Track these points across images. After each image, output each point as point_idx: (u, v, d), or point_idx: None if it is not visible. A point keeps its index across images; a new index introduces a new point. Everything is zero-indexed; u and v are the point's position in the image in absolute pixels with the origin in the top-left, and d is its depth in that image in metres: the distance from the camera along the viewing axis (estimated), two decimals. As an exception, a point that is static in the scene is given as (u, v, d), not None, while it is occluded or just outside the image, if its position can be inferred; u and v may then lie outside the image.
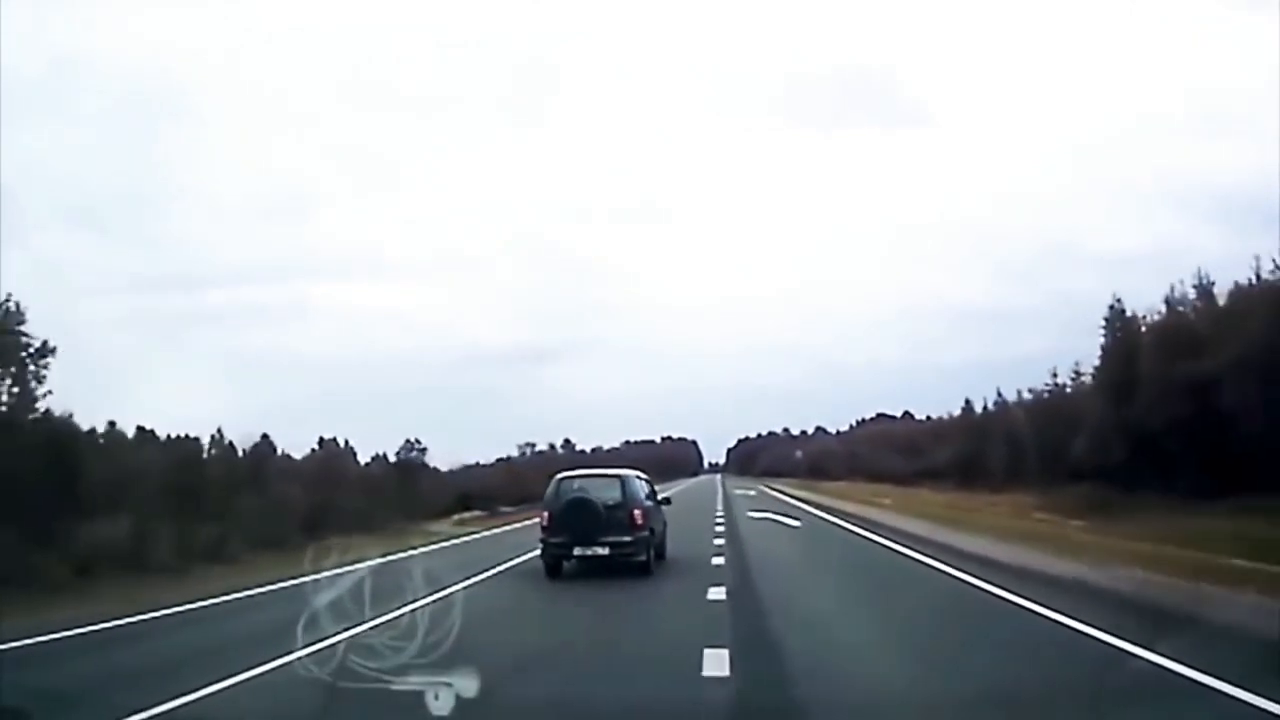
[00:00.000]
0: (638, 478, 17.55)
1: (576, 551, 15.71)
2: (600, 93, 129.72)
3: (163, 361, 59.86)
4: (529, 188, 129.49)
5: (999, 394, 49.07)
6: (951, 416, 62.49)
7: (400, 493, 35.44)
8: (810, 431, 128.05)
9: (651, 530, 16.47)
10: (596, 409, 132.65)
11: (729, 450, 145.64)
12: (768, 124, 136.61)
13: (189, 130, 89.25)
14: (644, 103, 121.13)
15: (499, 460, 61.55)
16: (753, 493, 57.98)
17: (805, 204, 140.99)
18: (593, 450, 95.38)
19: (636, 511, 15.89)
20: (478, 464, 59.31)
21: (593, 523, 15.52)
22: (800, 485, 66.25)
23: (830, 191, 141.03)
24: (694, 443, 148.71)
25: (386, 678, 5.80)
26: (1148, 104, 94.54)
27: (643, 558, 15.80)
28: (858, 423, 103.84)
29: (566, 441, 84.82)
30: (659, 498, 18.56)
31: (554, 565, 16.08)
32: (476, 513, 38.03)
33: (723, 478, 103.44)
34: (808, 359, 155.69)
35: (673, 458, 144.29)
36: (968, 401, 52.34)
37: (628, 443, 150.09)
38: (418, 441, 42.33)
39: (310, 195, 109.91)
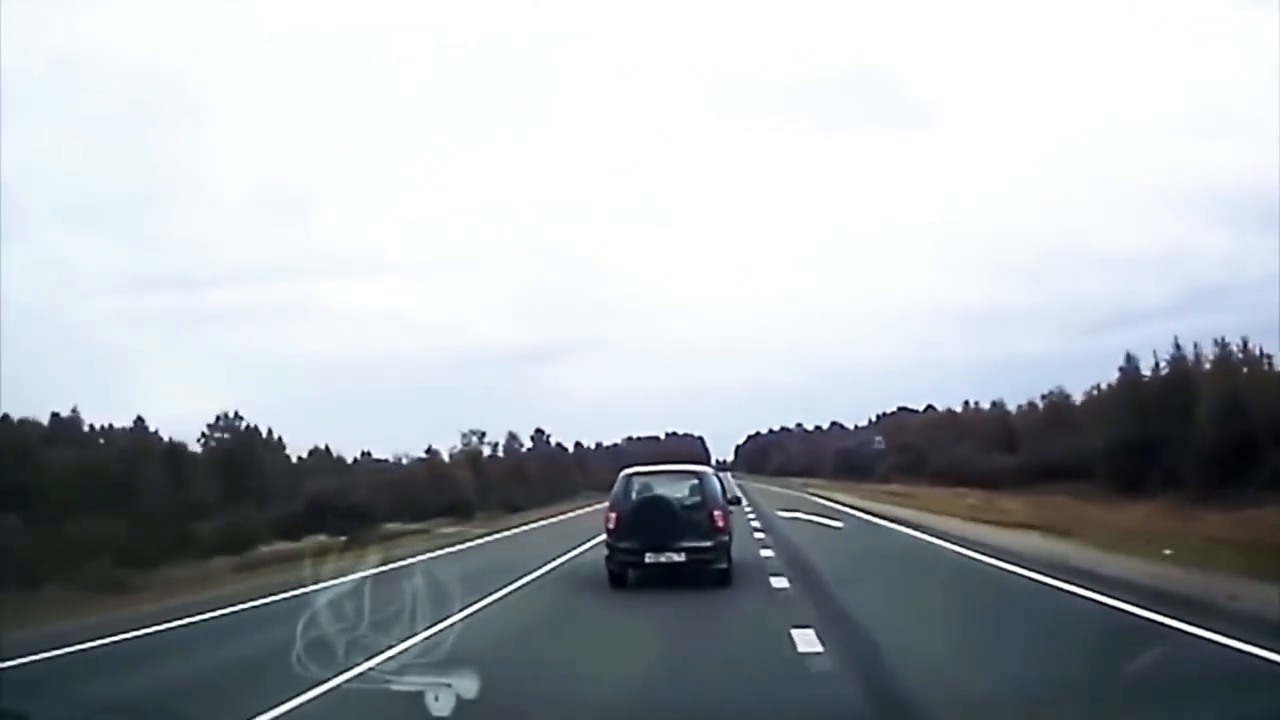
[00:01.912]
0: (715, 474, 15.87)
1: (648, 558, 13.78)
2: (601, 93, 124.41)
3: (162, 360, 60.20)
4: (530, 187, 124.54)
5: (1176, 345, 32.01)
6: (1043, 397, 45.84)
7: (145, 504, 18.51)
8: (825, 427, 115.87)
9: (729, 534, 14.55)
10: (600, 408, 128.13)
11: (737, 447, 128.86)
12: (769, 124, 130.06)
13: (190, 130, 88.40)
14: (644, 103, 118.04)
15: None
16: (835, 523, 28.19)
17: (806, 204, 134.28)
18: (579, 446, 79.51)
19: (717, 512, 14.17)
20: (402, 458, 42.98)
21: (668, 525, 13.76)
22: (881, 495, 41.83)
23: (831, 191, 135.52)
24: (700, 439, 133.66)
25: (386, 678, 5.29)
26: (1150, 104, 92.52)
27: (723, 565, 14.00)
28: (877, 418, 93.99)
29: (539, 432, 67.89)
30: (729, 496, 15.96)
31: (620, 574, 14.18)
32: (320, 538, 21.25)
33: (733, 478, 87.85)
34: (810, 359, 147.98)
35: (677, 455, 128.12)
36: (1129, 359, 33.74)
37: (630, 439, 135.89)
38: (237, 416, 25.56)
39: (310, 195, 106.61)
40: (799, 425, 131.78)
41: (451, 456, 46.19)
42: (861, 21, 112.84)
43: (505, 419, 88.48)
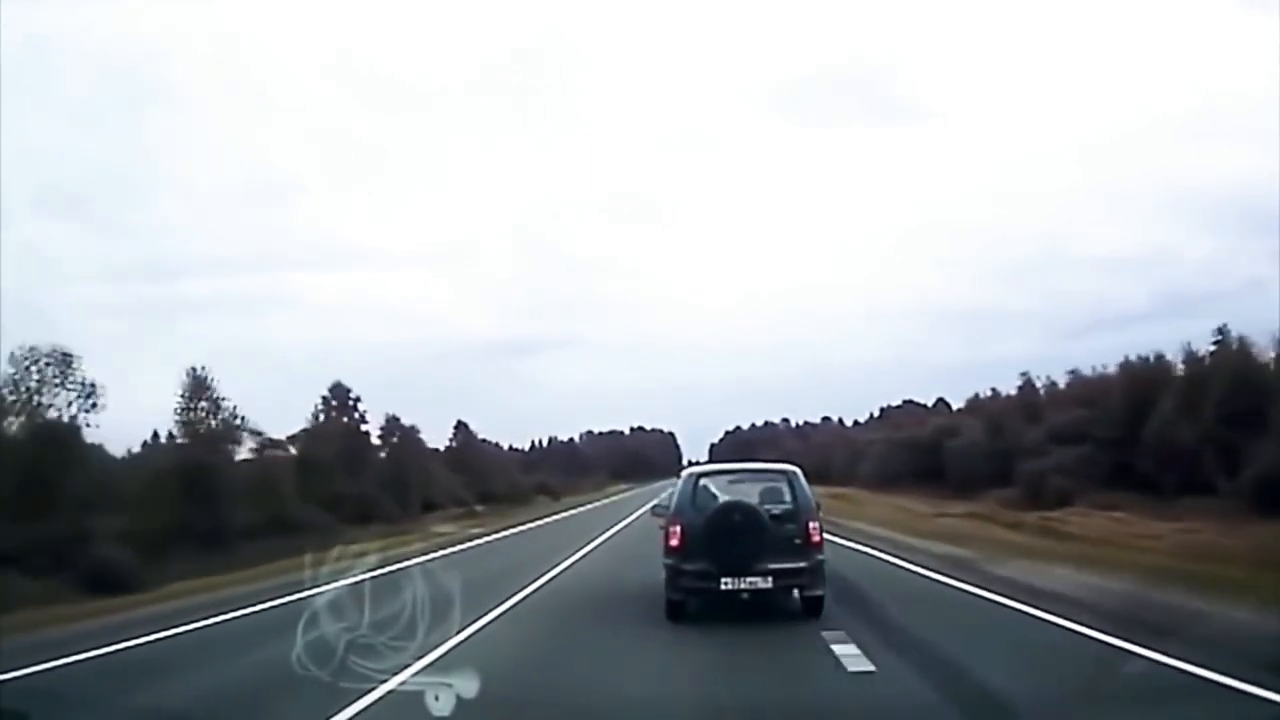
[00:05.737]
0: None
1: (725, 584, 11.27)
2: (595, 88, 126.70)
3: (142, 350, 63.33)
4: (520, 183, 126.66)
5: None
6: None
7: None
8: (816, 423, 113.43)
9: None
10: (569, 402, 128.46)
11: (713, 446, 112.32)
12: (762, 122, 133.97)
13: (173, 118, 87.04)
14: (638, 100, 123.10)
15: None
16: None
17: (799, 202, 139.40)
18: (466, 433, 60.76)
19: (813, 524, 11.70)
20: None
21: (754, 541, 11.18)
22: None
23: (824, 190, 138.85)
24: (671, 435, 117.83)
25: (386, 678, 5.63)
26: (1142, 110, 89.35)
27: (818, 591, 11.71)
28: (880, 411, 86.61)
29: (342, 391, 40.24)
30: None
31: (681, 603, 11.77)
32: None
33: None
34: (794, 356, 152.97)
35: (643, 453, 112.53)
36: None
37: (590, 433, 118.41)
38: None
39: (291, 184, 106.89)
40: (785, 420, 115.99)
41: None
42: (860, 23, 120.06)
43: (508, 413, 78.90)
